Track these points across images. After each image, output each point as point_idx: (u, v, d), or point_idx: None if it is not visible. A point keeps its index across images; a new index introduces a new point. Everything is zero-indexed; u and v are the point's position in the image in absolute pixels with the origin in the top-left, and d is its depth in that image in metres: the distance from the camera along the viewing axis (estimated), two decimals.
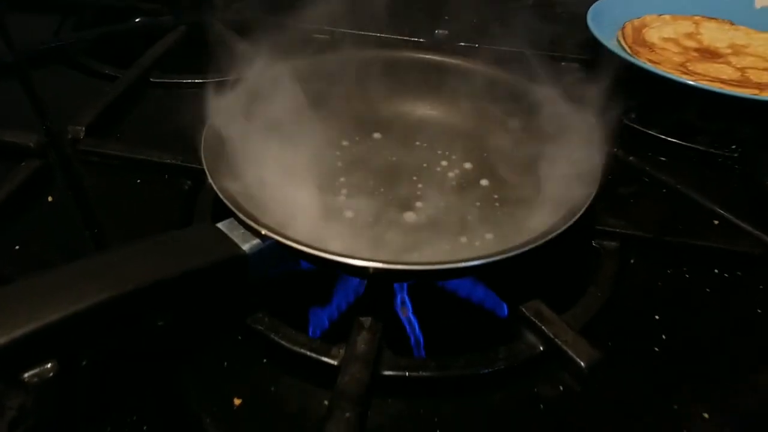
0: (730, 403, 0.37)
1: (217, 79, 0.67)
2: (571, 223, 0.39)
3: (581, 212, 0.40)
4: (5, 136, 0.54)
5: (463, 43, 0.74)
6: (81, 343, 0.36)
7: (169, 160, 0.53)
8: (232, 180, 0.44)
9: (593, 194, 0.42)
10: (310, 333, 0.43)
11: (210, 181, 0.41)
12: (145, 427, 0.35)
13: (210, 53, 0.74)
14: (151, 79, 0.67)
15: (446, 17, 0.78)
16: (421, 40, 0.75)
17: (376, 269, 0.37)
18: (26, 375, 0.36)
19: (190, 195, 0.51)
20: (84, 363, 0.38)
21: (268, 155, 0.51)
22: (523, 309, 0.40)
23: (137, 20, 0.81)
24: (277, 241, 0.37)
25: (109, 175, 0.53)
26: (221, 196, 0.40)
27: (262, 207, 0.45)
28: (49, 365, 0.35)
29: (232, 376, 0.38)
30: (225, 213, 0.39)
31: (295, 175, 0.50)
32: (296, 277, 0.45)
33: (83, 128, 0.56)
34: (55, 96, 0.65)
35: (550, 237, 0.38)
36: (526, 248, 0.38)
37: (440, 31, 0.75)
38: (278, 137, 0.52)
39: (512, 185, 0.50)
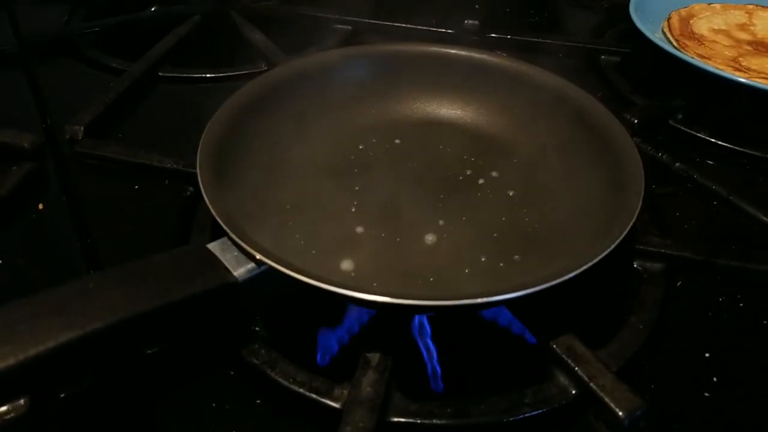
0: None
1: (230, 74, 0.63)
2: (611, 248, 0.34)
3: (623, 236, 0.35)
4: (1, 136, 0.51)
5: (494, 35, 0.69)
6: (52, 381, 0.32)
7: (170, 165, 0.49)
8: (232, 189, 0.40)
9: (636, 214, 0.36)
10: (318, 359, 0.39)
11: (203, 193, 0.37)
12: None
13: (226, 45, 0.71)
14: (160, 74, 0.63)
15: (477, 5, 0.73)
16: (449, 30, 0.70)
17: (385, 303, 0.33)
18: None
19: (191, 202, 0.47)
20: (61, 396, 0.34)
21: (275, 160, 0.47)
22: (554, 345, 0.36)
23: (153, 9, 0.78)
24: (273, 268, 0.33)
25: (107, 180, 0.50)
26: (213, 212, 0.36)
27: (263, 220, 0.41)
28: (21, 401, 0.32)
29: (222, 419, 0.34)
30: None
31: (304, 183, 0.46)
32: (303, 295, 0.41)
33: (82, 128, 0.52)
34: (60, 91, 0.61)
35: (586, 266, 0.33)
36: (558, 280, 0.33)
37: (470, 22, 0.69)
38: (288, 140, 0.48)
39: (543, 197, 0.45)
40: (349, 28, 0.71)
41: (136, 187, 0.49)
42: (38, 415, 0.32)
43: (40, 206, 0.47)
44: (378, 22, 0.71)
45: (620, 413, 0.32)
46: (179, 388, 0.35)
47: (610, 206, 0.39)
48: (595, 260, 0.34)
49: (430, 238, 0.42)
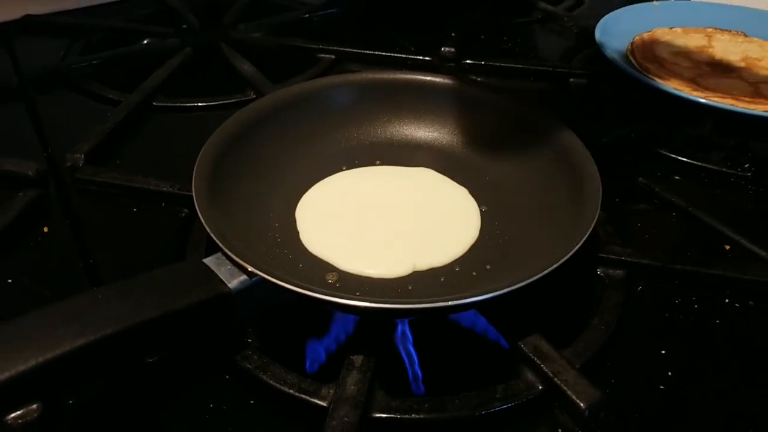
0: None
1: (221, 102, 0.67)
2: (569, 256, 0.38)
3: (578, 245, 0.39)
4: (6, 164, 0.54)
5: (469, 61, 0.73)
6: (64, 385, 0.35)
7: (165, 189, 0.52)
8: (225, 209, 0.44)
9: (592, 225, 0.40)
10: (307, 367, 0.42)
11: (198, 213, 0.41)
12: None
13: (216, 75, 0.74)
14: (155, 103, 0.66)
15: (453, 33, 0.77)
16: (426, 57, 0.74)
17: (366, 308, 0.36)
18: (9, 417, 0.35)
19: (186, 223, 0.50)
20: (69, 402, 0.37)
21: (264, 182, 0.50)
22: (522, 345, 0.39)
23: (145, 42, 0.82)
24: (263, 278, 0.36)
25: (107, 204, 0.53)
26: (208, 229, 0.39)
27: (254, 237, 0.44)
28: (33, 406, 0.35)
29: (218, 418, 0.37)
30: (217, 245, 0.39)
31: (291, 203, 0.50)
32: (291, 307, 0.44)
33: (82, 156, 0.56)
34: (60, 122, 0.65)
35: (545, 272, 0.37)
36: (520, 284, 0.36)
37: (446, 49, 0.74)
38: (276, 163, 0.52)
39: (512, 212, 0.48)
40: (333, 57, 0.75)
41: (135, 209, 0.52)
42: (49, 419, 0.35)
43: (45, 229, 0.50)
44: (359, 50, 0.75)
45: (581, 405, 0.36)
46: (180, 391, 0.38)
47: (572, 218, 0.42)
48: (554, 266, 0.37)
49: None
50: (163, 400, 0.38)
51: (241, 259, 0.37)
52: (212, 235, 0.39)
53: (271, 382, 0.38)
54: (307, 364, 0.43)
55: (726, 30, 0.75)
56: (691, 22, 0.76)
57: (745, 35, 0.74)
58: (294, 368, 0.39)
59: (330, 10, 0.87)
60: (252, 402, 0.38)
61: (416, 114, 0.56)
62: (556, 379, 0.37)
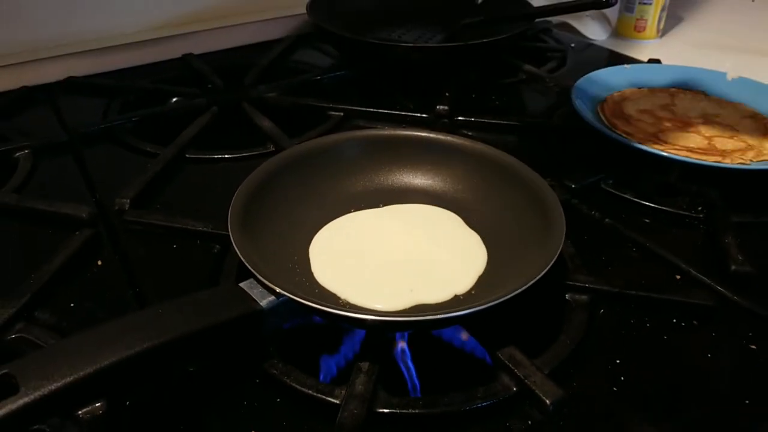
0: None
1: (244, 155, 0.76)
2: (534, 280, 0.46)
3: (543, 273, 0.47)
4: (63, 208, 0.64)
5: (461, 117, 0.83)
6: (128, 384, 0.43)
7: (201, 228, 0.61)
8: (255, 242, 0.52)
9: (554, 259, 0.48)
10: (321, 378, 0.50)
11: (234, 244, 0.49)
12: None
13: (239, 131, 0.84)
14: (187, 155, 0.76)
15: (447, 93, 0.87)
16: (424, 114, 0.84)
17: (372, 321, 0.45)
18: (81, 412, 0.43)
19: (219, 257, 0.59)
20: (127, 403, 0.45)
21: (286, 220, 0.59)
22: (499, 354, 0.47)
23: (174, 100, 0.92)
24: (289, 298, 0.45)
25: (151, 242, 0.62)
26: (243, 260, 0.48)
27: (278, 265, 0.53)
28: (99, 404, 0.43)
29: (250, 414, 0.45)
30: (247, 273, 0.47)
31: (308, 238, 0.58)
32: (310, 331, 0.53)
33: (128, 201, 0.65)
34: (104, 171, 0.74)
35: (516, 292, 0.45)
36: (495, 302, 0.45)
37: (441, 107, 0.83)
38: (296, 205, 0.61)
39: (494, 246, 0.57)
40: (341, 114, 0.85)
41: (174, 246, 0.61)
42: (111, 416, 0.43)
43: (99, 262, 0.59)
44: (365, 108, 0.86)
45: (547, 401, 0.44)
46: (218, 393, 0.46)
47: (542, 250, 0.51)
48: (524, 287, 0.46)
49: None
50: (204, 401, 0.46)
51: (270, 282, 0.46)
52: (246, 263, 0.47)
53: (294, 384, 0.46)
54: (321, 376, 0.51)
55: (688, 89, 0.85)
56: (658, 82, 0.86)
57: (705, 94, 0.84)
58: (311, 372, 0.47)
59: (338, 72, 0.98)
60: (278, 400, 0.46)
61: (414, 164, 0.65)
62: (527, 381, 0.45)
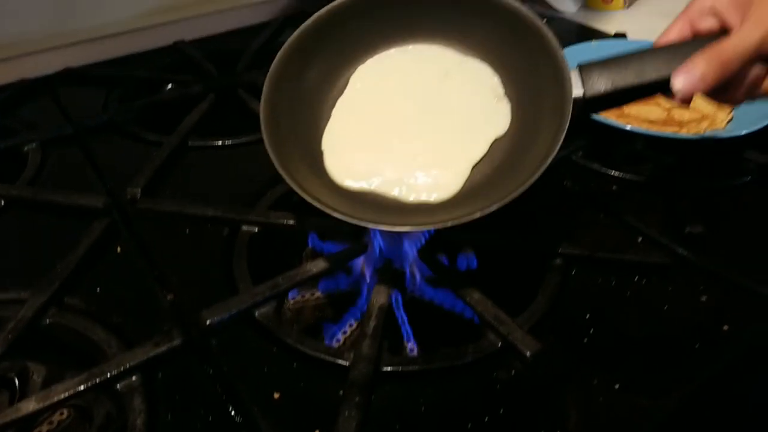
0: (635, 377, 0.51)
1: (244, 140, 0.81)
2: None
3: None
4: (80, 200, 0.69)
5: None
6: None
7: (210, 213, 0.67)
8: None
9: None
10: (327, 342, 0.58)
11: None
12: (211, 417, 0.49)
13: (236, 116, 0.89)
14: (190, 143, 0.81)
15: None
16: None
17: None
18: (118, 384, 0.49)
19: (229, 239, 0.65)
20: (159, 375, 0.52)
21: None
22: (485, 314, 0.54)
23: (169, 87, 0.97)
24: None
25: (164, 227, 0.67)
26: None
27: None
28: (134, 378, 0.49)
29: (272, 377, 0.51)
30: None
31: None
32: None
33: (139, 190, 0.70)
34: (112, 161, 0.79)
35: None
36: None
37: None
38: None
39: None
40: None
41: (187, 231, 0.67)
42: (145, 389, 0.50)
43: (118, 249, 0.65)
44: None
45: (527, 353, 0.51)
46: (242, 362, 0.53)
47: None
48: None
49: None
50: (230, 370, 0.52)
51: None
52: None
53: (307, 350, 0.53)
54: (327, 341, 0.58)
55: None
56: None
57: None
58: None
59: None
60: (294, 365, 0.52)
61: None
62: (509, 337, 0.52)
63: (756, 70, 0.50)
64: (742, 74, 0.50)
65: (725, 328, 0.54)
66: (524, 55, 0.57)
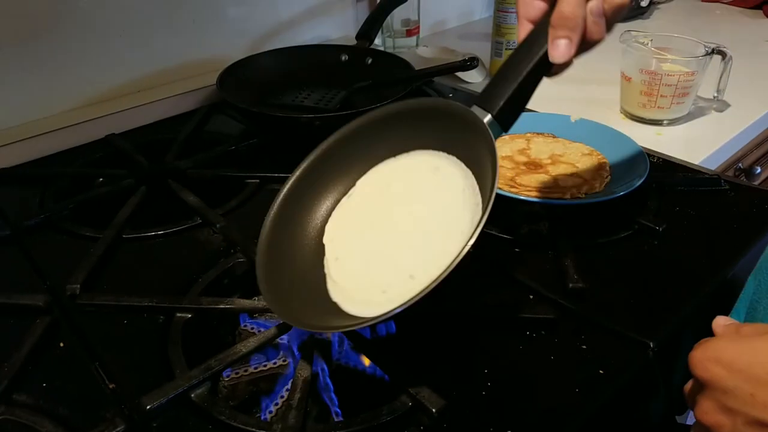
0: (528, 423, 0.59)
1: (175, 229, 0.87)
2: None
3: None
4: (21, 300, 0.74)
5: None
6: None
7: (146, 303, 0.73)
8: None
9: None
10: (262, 416, 0.64)
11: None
12: None
13: (167, 207, 0.95)
14: (124, 236, 0.87)
15: None
16: None
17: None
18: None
19: (164, 326, 0.71)
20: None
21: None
22: (395, 378, 0.62)
23: (100, 180, 1.03)
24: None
25: (103, 320, 0.72)
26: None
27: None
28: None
29: None
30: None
31: None
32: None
33: (78, 286, 0.75)
34: (50, 259, 0.83)
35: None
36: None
37: None
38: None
39: None
40: (257, 181, 0.98)
41: (125, 321, 0.72)
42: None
43: (62, 344, 0.70)
44: (278, 174, 0.97)
45: (433, 409, 0.59)
46: None
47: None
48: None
49: None
50: None
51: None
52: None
53: (240, 425, 0.59)
54: (263, 416, 0.65)
55: (541, 133, 1.02)
56: (517, 129, 1.02)
57: (554, 136, 1.01)
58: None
59: (251, 141, 1.10)
60: None
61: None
62: (417, 396, 0.60)
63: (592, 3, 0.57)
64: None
65: (601, 372, 0.63)
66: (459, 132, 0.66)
